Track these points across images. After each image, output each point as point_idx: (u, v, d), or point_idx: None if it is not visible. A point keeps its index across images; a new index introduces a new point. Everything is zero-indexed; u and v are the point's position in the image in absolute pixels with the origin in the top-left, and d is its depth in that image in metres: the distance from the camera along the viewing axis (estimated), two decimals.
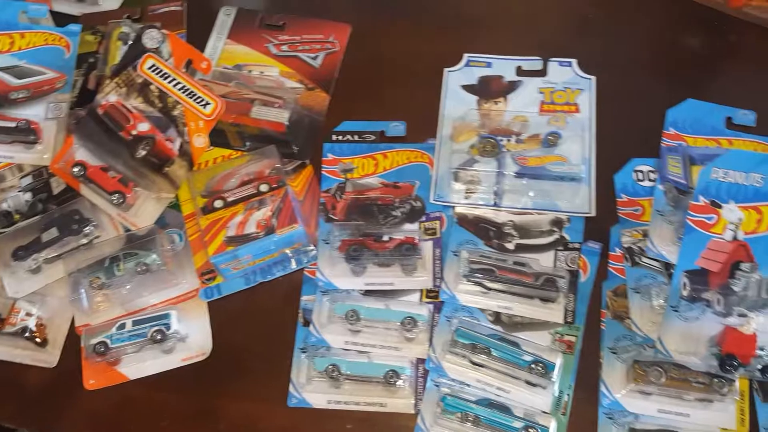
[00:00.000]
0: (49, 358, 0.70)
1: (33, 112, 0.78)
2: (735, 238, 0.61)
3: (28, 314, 0.70)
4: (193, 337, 0.69)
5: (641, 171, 0.73)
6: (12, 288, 0.72)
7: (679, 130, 0.75)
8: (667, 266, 0.67)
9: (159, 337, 0.67)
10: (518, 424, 0.61)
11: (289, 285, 0.72)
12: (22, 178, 0.77)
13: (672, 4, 0.83)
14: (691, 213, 0.62)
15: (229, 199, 0.71)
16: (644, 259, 0.68)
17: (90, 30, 0.86)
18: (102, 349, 0.67)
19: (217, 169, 0.76)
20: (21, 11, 0.82)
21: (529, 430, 0.60)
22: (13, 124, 0.76)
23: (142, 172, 0.75)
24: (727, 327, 0.60)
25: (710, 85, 0.79)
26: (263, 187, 0.71)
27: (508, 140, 0.73)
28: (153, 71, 0.75)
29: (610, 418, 0.63)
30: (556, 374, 0.62)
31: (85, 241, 0.73)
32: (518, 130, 0.75)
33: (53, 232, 0.72)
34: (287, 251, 0.71)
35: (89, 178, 0.73)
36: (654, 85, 0.79)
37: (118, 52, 0.82)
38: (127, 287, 0.70)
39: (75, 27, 0.83)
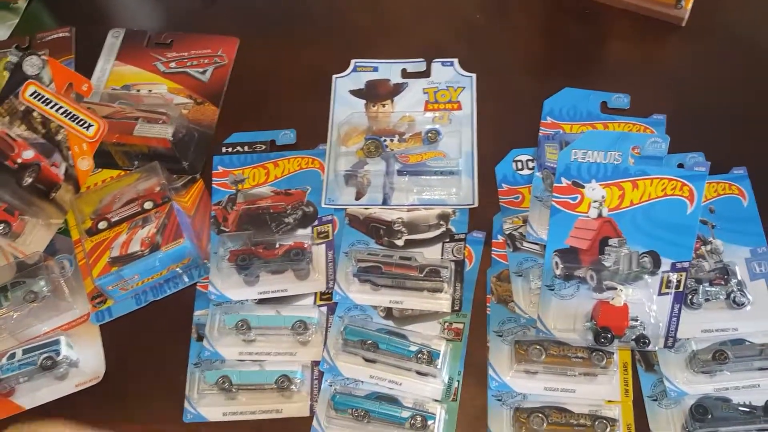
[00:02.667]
0: None
1: None
2: (600, 215, 0.64)
3: None
4: (85, 362, 0.68)
5: (520, 161, 0.76)
6: None
7: (556, 118, 0.77)
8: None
9: (49, 363, 0.66)
10: (406, 414, 0.61)
11: (182, 301, 0.72)
12: None
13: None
14: (556, 195, 0.65)
15: (113, 219, 0.71)
16: (525, 244, 0.70)
17: None
18: None
19: (104, 191, 0.76)
20: None
21: (417, 418, 0.61)
22: None
23: (30, 200, 0.75)
24: (600, 301, 0.62)
25: (587, 73, 0.83)
26: (147, 205, 0.71)
27: (392, 140, 0.74)
28: (35, 98, 0.75)
29: (499, 400, 0.64)
30: (441, 361, 0.63)
31: None
32: (405, 130, 0.77)
33: None
34: (177, 267, 0.71)
35: None
36: (533, 80, 0.82)
37: (4, 82, 0.82)
38: (15, 317, 0.69)
39: None
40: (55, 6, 0.94)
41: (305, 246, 0.70)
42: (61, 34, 0.88)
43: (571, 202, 0.64)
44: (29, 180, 0.74)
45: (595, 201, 0.63)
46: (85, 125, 0.75)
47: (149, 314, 0.71)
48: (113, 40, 0.87)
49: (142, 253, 0.68)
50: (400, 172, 0.72)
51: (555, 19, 0.86)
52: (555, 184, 0.65)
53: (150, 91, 0.83)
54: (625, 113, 0.77)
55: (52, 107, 0.75)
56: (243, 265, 0.69)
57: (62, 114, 0.74)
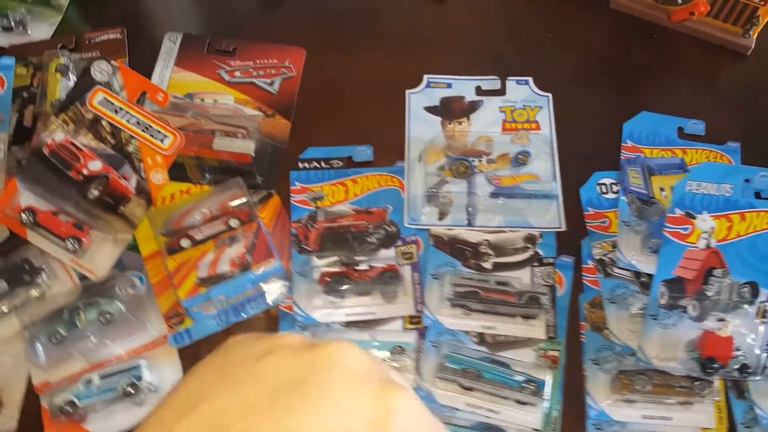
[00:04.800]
0: (8, 422, 0.64)
1: None
2: (708, 246, 0.64)
3: None
4: (165, 387, 0.65)
5: (604, 184, 0.76)
6: None
7: (636, 141, 0.78)
8: (638, 275, 0.69)
9: (131, 390, 0.62)
10: None
11: (265, 322, 0.69)
12: None
13: (617, 20, 0.87)
14: (668, 225, 0.65)
15: (197, 238, 0.68)
16: (616, 270, 0.70)
17: (21, 62, 0.80)
18: (69, 409, 0.61)
19: (175, 206, 0.72)
20: None
21: None
22: None
23: (96, 214, 0.70)
24: (705, 331, 0.62)
25: (658, 96, 0.83)
26: (233, 222, 0.68)
27: (479, 160, 0.73)
28: (104, 105, 0.70)
29: (599, 429, 0.64)
30: (547, 391, 0.62)
31: (36, 293, 0.67)
32: (484, 149, 0.76)
33: (2, 286, 0.66)
34: (262, 287, 0.68)
35: (40, 225, 0.67)
36: (606, 99, 0.82)
37: (58, 85, 0.77)
38: (91, 339, 0.65)
39: (8, 60, 0.77)
40: (99, 4, 0.89)
41: (397, 268, 0.68)
42: (111, 35, 0.84)
43: (683, 232, 0.64)
44: (96, 192, 0.70)
45: (704, 232, 0.64)
46: (160, 137, 0.71)
47: (230, 336, 0.68)
48: (170, 44, 0.83)
49: (232, 274, 0.65)
50: (494, 195, 0.71)
51: (623, 40, 0.87)
52: (668, 215, 0.65)
53: (215, 101, 0.79)
54: (701, 140, 0.78)
55: (123, 116, 0.70)
56: (335, 287, 0.67)
57: (135, 124, 0.70)
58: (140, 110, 0.71)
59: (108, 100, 0.70)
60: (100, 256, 0.70)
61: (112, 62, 0.71)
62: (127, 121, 0.70)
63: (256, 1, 0.90)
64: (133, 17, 0.89)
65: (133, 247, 0.71)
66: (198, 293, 0.65)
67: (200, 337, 0.68)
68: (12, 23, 0.83)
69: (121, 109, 0.70)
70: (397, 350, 0.65)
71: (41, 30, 0.85)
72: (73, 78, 0.77)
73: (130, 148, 0.71)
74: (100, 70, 0.71)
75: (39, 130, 0.76)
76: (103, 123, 0.71)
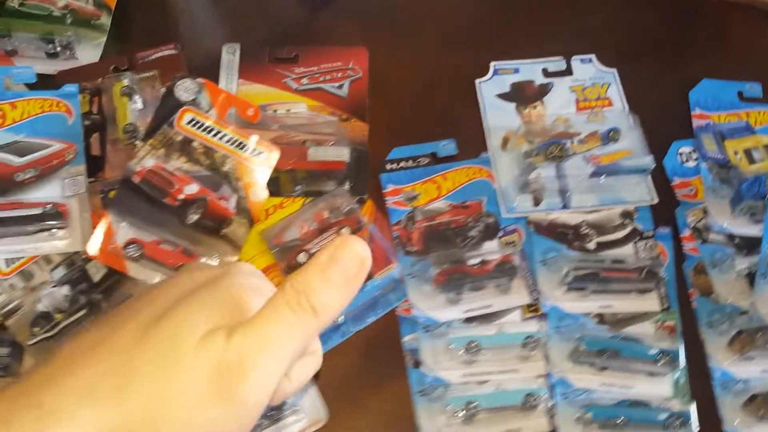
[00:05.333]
0: None
1: (47, 194, 0.68)
2: None
3: None
4: (303, 406, 0.64)
5: (683, 153, 0.78)
6: None
7: (703, 109, 0.80)
8: (732, 237, 0.72)
9: (276, 415, 0.61)
10: (662, 416, 0.63)
11: (384, 328, 0.69)
12: (53, 270, 0.66)
13: None
14: None
15: (313, 251, 0.67)
16: (711, 235, 0.73)
17: None
18: None
19: (271, 221, 0.71)
20: (5, 77, 0.71)
21: (673, 418, 0.62)
22: (38, 210, 0.65)
23: (197, 238, 0.68)
24: None
25: (714, 63, 0.85)
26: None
27: (571, 142, 0.74)
28: (193, 126, 0.68)
29: (725, 388, 0.67)
30: (682, 360, 0.65)
31: None
32: (563, 131, 0.77)
33: None
34: (377, 294, 0.68)
35: (148, 257, 0.65)
36: (666, 70, 0.84)
37: (127, 109, 0.73)
38: None
39: (71, 87, 0.73)
40: (140, 22, 0.85)
41: (512, 258, 0.69)
42: (165, 52, 0.80)
43: None
44: (194, 217, 0.68)
45: None
46: (255, 152, 0.69)
47: (354, 345, 0.68)
48: (230, 56, 0.81)
49: None
50: (594, 174, 0.72)
51: (674, 10, 0.88)
52: None
53: (288, 110, 0.78)
54: (760, 101, 0.81)
55: (214, 135, 0.68)
56: (456, 285, 0.67)
57: (228, 143, 0.68)
58: (232, 128, 0.69)
59: (197, 120, 0.68)
60: None
61: (198, 80, 0.69)
62: (220, 140, 0.68)
63: (301, 3, 0.87)
64: (177, 31, 0.85)
65: None
66: None
67: (326, 349, 0.66)
68: (58, 48, 0.79)
69: (212, 128, 0.68)
70: (530, 340, 0.66)
71: (87, 53, 0.81)
72: (139, 100, 0.74)
73: (226, 168, 0.69)
74: (185, 89, 0.68)
75: (110, 159, 0.73)
76: (195, 144, 0.68)
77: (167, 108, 0.69)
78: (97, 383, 0.32)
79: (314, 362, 0.42)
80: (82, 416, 0.31)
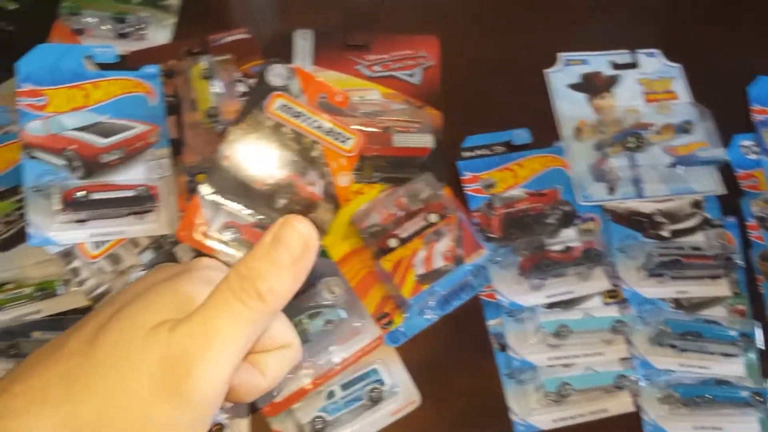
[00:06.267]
0: None
1: (132, 177, 0.67)
2: None
3: None
4: (402, 387, 0.65)
5: (744, 145, 0.80)
6: None
7: (763, 104, 0.83)
8: None
9: (376, 395, 0.62)
10: (745, 393, 0.65)
11: (468, 312, 0.70)
12: (140, 254, 0.66)
13: None
14: None
15: (403, 236, 0.67)
16: None
17: None
18: (320, 426, 0.60)
19: (353, 207, 0.71)
20: (85, 57, 0.70)
21: (755, 396, 0.65)
22: (131, 193, 0.65)
23: None
24: None
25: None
26: (432, 218, 0.68)
27: (647, 133, 0.76)
28: (284, 111, 0.68)
29: None
30: (759, 340, 0.67)
31: None
32: (635, 122, 0.78)
33: None
34: (465, 279, 0.69)
35: (245, 241, 0.65)
36: (725, 65, 0.86)
37: (208, 93, 0.73)
38: (317, 350, 0.63)
39: (151, 69, 0.72)
40: (210, 3, 0.85)
41: (595, 245, 0.71)
42: (238, 36, 0.80)
43: None
44: (283, 201, 0.68)
45: None
46: (343, 139, 0.69)
47: (440, 329, 0.69)
48: (303, 42, 0.81)
49: (447, 268, 0.66)
50: (674, 165, 0.74)
51: (731, 6, 0.91)
52: None
53: (362, 98, 0.78)
54: None
55: (304, 121, 0.68)
56: (544, 271, 0.68)
57: (317, 128, 0.68)
58: (321, 114, 0.69)
59: (287, 106, 0.68)
60: None
61: (289, 66, 0.69)
62: (309, 126, 0.68)
63: None
64: (247, 15, 0.85)
65: (323, 253, 0.70)
66: (422, 290, 0.65)
67: (414, 333, 0.68)
68: (128, 28, 0.78)
69: (301, 113, 0.68)
70: (618, 325, 0.67)
71: (157, 34, 0.80)
72: (218, 84, 0.74)
73: (315, 153, 0.69)
74: (276, 74, 0.68)
75: (190, 142, 0.72)
76: (285, 129, 0.68)
77: (258, 93, 0.68)
78: (48, 387, 0.31)
79: (290, 355, 0.38)
80: (31, 418, 0.31)
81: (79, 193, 0.62)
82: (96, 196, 0.63)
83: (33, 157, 0.65)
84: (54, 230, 0.63)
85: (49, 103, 0.67)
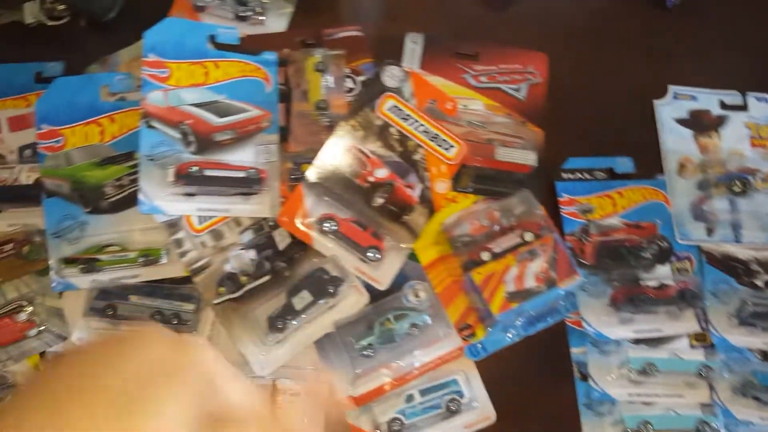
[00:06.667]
0: None
1: (241, 157, 0.69)
2: None
3: (293, 395, 0.62)
4: (480, 401, 0.65)
5: None
6: (259, 365, 0.63)
7: None
8: None
9: (454, 407, 0.62)
10: None
11: (552, 337, 0.69)
12: (241, 233, 0.67)
13: None
14: None
15: (496, 251, 0.67)
16: None
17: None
18: (397, 427, 0.61)
19: (445, 214, 0.71)
20: (209, 36, 0.72)
21: None
22: (241, 174, 0.66)
23: (379, 222, 0.69)
24: None
25: None
26: (527, 236, 0.68)
27: (753, 178, 0.74)
28: (393, 112, 0.68)
29: None
30: None
31: (333, 302, 0.66)
32: (740, 165, 0.76)
33: (305, 297, 0.64)
34: (554, 302, 0.68)
35: (342, 234, 0.66)
36: None
37: (320, 85, 0.74)
38: (401, 352, 0.64)
39: (270, 55, 0.73)
40: None
41: (691, 286, 0.69)
42: (352, 33, 0.81)
43: None
44: (380, 200, 0.68)
45: None
46: (446, 146, 0.69)
47: (521, 349, 0.68)
48: (413, 45, 0.81)
49: (538, 289, 0.65)
50: None
51: None
52: None
53: (465, 106, 0.78)
54: None
55: (411, 124, 0.69)
56: (636, 305, 0.67)
57: (422, 133, 0.69)
58: (429, 119, 0.69)
59: (398, 107, 0.68)
60: (385, 265, 0.68)
61: (404, 68, 0.69)
62: (416, 129, 0.69)
63: (484, 2, 0.87)
64: (361, 13, 0.86)
65: (411, 256, 0.70)
66: (511, 308, 0.64)
67: (495, 350, 0.67)
68: (248, 12, 0.80)
69: (410, 116, 0.69)
70: (705, 369, 0.66)
71: (274, 21, 0.82)
72: (330, 77, 0.75)
73: (417, 157, 0.69)
74: (391, 75, 0.69)
75: (295, 131, 0.74)
76: (392, 130, 0.69)
77: (371, 91, 0.69)
78: None
79: None
80: None
81: (193, 168, 0.64)
82: (208, 172, 0.65)
83: (151, 127, 0.67)
84: (164, 200, 0.65)
85: (171, 76, 0.69)
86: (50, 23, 0.81)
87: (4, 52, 0.79)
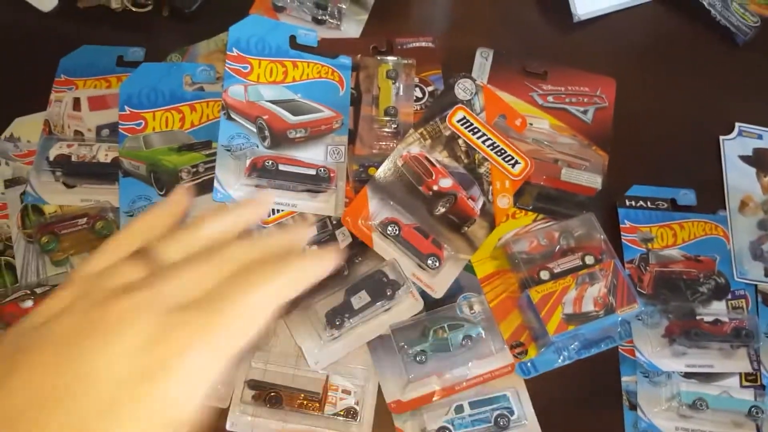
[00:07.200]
0: None
1: (311, 155, 0.71)
2: None
3: (346, 391, 0.63)
4: (528, 419, 0.65)
5: None
6: (313, 358, 0.65)
7: None
8: None
9: (503, 423, 0.62)
10: None
11: (605, 363, 0.69)
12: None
13: None
14: None
15: (556, 271, 0.67)
16: None
17: None
18: None
19: (505, 229, 0.72)
20: (291, 36, 0.74)
21: None
22: (312, 171, 0.68)
23: (439, 231, 0.70)
24: None
25: None
26: (588, 259, 0.68)
27: None
28: (462, 124, 0.69)
29: None
30: None
31: (390, 305, 0.67)
32: None
33: (364, 297, 0.65)
34: (610, 328, 0.68)
35: (403, 239, 0.67)
36: None
37: (390, 92, 0.75)
38: (453, 362, 0.64)
39: (345, 60, 0.75)
40: (401, 7, 0.87)
41: (746, 324, 0.68)
42: (423, 43, 0.82)
43: None
44: (442, 210, 0.69)
45: None
46: (512, 162, 0.70)
47: (571, 372, 0.68)
48: (482, 60, 0.82)
49: (597, 314, 0.65)
50: None
51: None
52: None
53: (531, 124, 0.78)
54: None
55: (479, 137, 0.69)
56: (688, 339, 0.67)
57: (489, 147, 0.69)
58: (496, 133, 0.70)
59: (467, 120, 0.69)
60: (442, 274, 0.69)
61: (477, 82, 0.70)
62: (483, 143, 0.70)
63: (559, 21, 0.88)
64: (433, 24, 0.87)
65: (469, 268, 0.71)
66: (566, 331, 0.65)
67: (545, 370, 0.68)
68: (326, 16, 0.81)
69: (478, 129, 0.69)
70: (756, 411, 0.65)
71: (349, 26, 0.83)
72: (401, 85, 0.76)
73: (482, 170, 0.70)
74: (464, 88, 0.70)
75: (362, 135, 0.75)
76: (459, 142, 0.70)
77: (442, 102, 0.70)
78: None
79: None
80: None
81: (268, 162, 0.66)
82: (282, 167, 0.67)
83: (230, 119, 0.69)
84: (237, 190, 0.67)
85: (252, 71, 0.71)
86: (135, 9, 0.84)
87: (88, 34, 0.82)
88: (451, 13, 0.88)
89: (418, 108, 0.76)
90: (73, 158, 0.71)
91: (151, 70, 0.72)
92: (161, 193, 0.68)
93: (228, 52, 0.70)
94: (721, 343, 0.68)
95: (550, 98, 0.81)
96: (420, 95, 0.78)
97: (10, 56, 0.82)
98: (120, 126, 0.70)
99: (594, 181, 0.72)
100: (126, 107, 0.70)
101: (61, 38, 0.82)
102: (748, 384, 0.69)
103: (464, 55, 0.83)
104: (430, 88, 0.79)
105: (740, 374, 0.69)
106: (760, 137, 0.81)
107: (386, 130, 0.74)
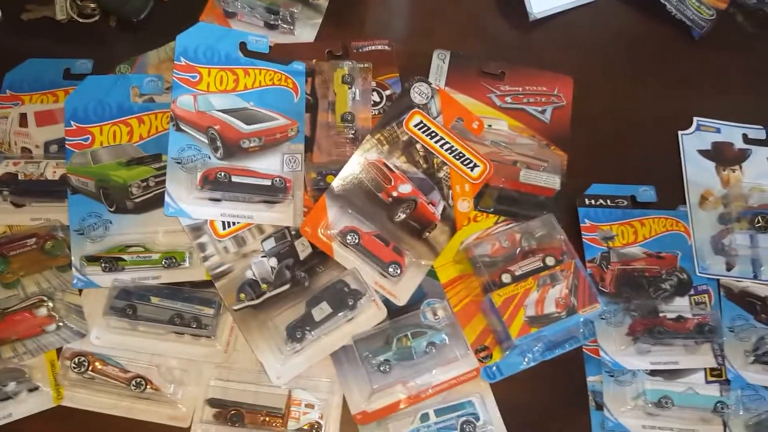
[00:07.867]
0: None
1: (267, 166, 0.69)
2: None
3: (309, 405, 0.62)
4: (494, 425, 0.64)
5: None
6: (274, 373, 0.63)
7: None
8: None
9: (468, 429, 0.62)
10: None
11: (569, 364, 0.69)
12: (264, 241, 0.67)
13: None
14: None
15: (517, 274, 0.67)
16: None
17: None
18: None
19: (466, 233, 0.72)
20: (240, 43, 0.72)
21: None
22: (267, 182, 0.66)
23: (400, 237, 0.69)
24: None
25: None
26: (549, 261, 0.68)
27: None
28: (420, 129, 0.68)
29: None
30: None
31: (352, 315, 0.66)
32: (762, 202, 0.76)
33: (325, 308, 0.64)
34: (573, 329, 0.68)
35: (363, 247, 0.66)
36: None
37: (347, 97, 0.74)
38: (416, 370, 0.64)
39: (299, 65, 0.74)
40: (356, 10, 0.86)
41: (710, 320, 0.69)
42: (379, 46, 0.81)
43: None
44: (402, 216, 0.68)
45: None
46: (471, 165, 0.69)
47: (537, 375, 0.68)
48: (439, 62, 0.81)
49: (559, 316, 0.65)
50: None
51: None
52: None
53: (490, 126, 0.78)
54: None
55: (437, 141, 0.69)
56: (651, 336, 0.67)
57: (448, 150, 0.69)
58: (454, 137, 0.69)
59: (424, 124, 0.69)
60: (404, 281, 0.68)
61: (433, 85, 0.69)
62: (441, 147, 0.69)
63: (516, 22, 0.87)
64: (389, 27, 0.86)
65: (432, 274, 0.70)
66: (530, 333, 0.64)
67: (510, 373, 0.67)
68: (278, 21, 0.80)
69: (436, 133, 0.69)
70: (721, 406, 0.65)
71: (303, 31, 0.82)
72: (357, 90, 0.75)
73: (441, 174, 0.69)
74: (419, 92, 0.69)
75: (320, 142, 0.74)
76: (418, 146, 0.69)
77: (399, 107, 0.69)
78: None
79: None
80: None
81: (221, 174, 0.64)
82: (235, 179, 0.65)
83: (180, 130, 0.67)
84: (190, 204, 0.65)
85: (201, 80, 0.69)
86: (81, 20, 0.81)
87: (34, 46, 0.80)
88: (408, 15, 0.87)
89: (376, 112, 0.75)
90: (20, 176, 0.69)
91: (97, 83, 0.70)
92: (111, 210, 0.66)
93: (176, 62, 0.68)
94: (684, 339, 0.68)
95: (508, 99, 0.81)
96: (378, 99, 0.77)
97: None
98: (66, 142, 0.68)
99: (553, 181, 0.72)
100: (72, 122, 0.68)
101: (5, 52, 0.79)
102: (713, 379, 0.69)
103: (421, 58, 0.82)
104: (388, 92, 0.78)
105: (705, 370, 0.69)
106: (718, 131, 0.82)
107: (344, 136, 0.73)
